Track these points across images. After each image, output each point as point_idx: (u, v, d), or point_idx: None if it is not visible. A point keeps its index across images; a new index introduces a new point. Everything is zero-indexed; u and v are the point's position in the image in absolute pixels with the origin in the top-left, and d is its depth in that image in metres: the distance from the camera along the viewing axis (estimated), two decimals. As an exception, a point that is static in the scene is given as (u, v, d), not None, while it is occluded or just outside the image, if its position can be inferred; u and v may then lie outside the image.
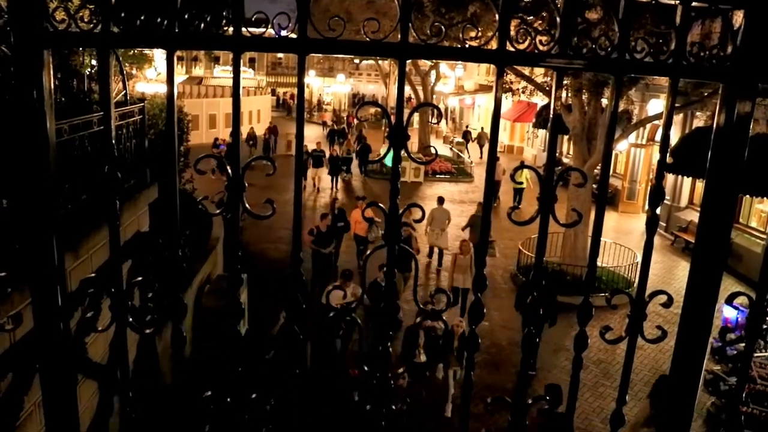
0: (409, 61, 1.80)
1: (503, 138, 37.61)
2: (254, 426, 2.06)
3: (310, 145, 24.35)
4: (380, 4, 21.92)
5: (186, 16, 1.68)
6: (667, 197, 19.12)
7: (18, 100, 1.71)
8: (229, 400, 2.00)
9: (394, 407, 2.02)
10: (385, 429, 2.05)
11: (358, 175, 28.09)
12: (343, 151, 27.77)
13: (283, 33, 1.77)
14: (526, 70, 16.40)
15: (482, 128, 38.68)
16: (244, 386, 2.02)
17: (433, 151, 2.57)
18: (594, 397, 10.23)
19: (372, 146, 28.86)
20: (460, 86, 46.52)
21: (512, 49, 1.75)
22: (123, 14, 1.68)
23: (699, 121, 18.31)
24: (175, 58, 1.79)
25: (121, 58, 10.17)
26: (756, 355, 9.70)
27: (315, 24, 1.74)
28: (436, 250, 16.14)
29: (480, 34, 1.82)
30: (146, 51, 18.56)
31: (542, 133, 32.17)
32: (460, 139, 38.49)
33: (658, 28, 9.82)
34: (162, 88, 22.12)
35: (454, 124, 47.19)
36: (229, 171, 1.81)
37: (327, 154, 25.09)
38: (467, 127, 41.86)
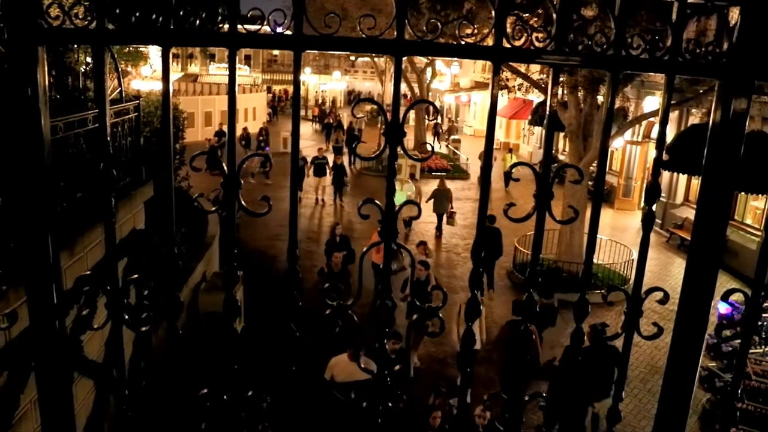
0: (404, 59, 1.80)
1: (499, 135, 37.69)
2: (250, 423, 2.06)
3: (311, 148, 23.67)
4: (376, 1, 21.86)
5: (181, 13, 1.68)
6: (662, 194, 19.18)
7: (12, 98, 1.70)
8: (225, 397, 2.00)
9: (390, 405, 2.02)
10: (380, 427, 2.05)
11: (348, 166, 27.95)
12: (332, 140, 28.02)
13: (279, 30, 1.76)
14: (522, 67, 16.40)
15: (450, 119, 39.51)
16: (241, 384, 2.02)
17: (429, 148, 2.56)
18: (590, 393, 10.25)
19: (367, 144, 28.87)
20: (456, 83, 46.49)
21: (508, 45, 1.75)
22: (118, 10, 1.67)
23: (694, 119, 18.34)
24: (171, 55, 1.79)
25: (116, 56, 10.13)
26: (751, 351, 9.73)
27: (311, 21, 1.73)
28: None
29: (476, 31, 1.81)
30: (141, 48, 18.54)
31: (538, 131, 32.17)
32: (456, 137, 38.63)
33: (654, 26, 9.84)
34: (157, 86, 22.06)
35: (450, 123, 47.22)
36: (225, 168, 1.81)
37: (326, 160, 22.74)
38: (435, 119, 42.25)
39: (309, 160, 22.14)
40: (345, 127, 34.14)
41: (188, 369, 2.10)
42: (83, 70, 8.78)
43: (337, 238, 13.10)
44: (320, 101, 57.16)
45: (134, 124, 8.69)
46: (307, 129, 42.24)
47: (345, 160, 26.20)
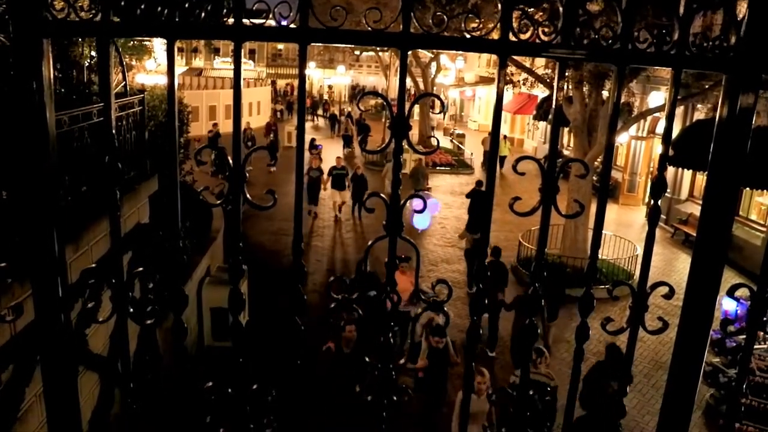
0: (409, 53, 1.79)
1: (504, 130, 37.66)
2: (255, 417, 2.06)
3: (323, 153, 22.69)
4: (380, -5, 21.80)
5: (186, 5, 1.68)
6: (667, 190, 19.06)
7: (18, 91, 1.70)
8: (230, 391, 2.00)
9: (395, 398, 2.02)
10: (386, 420, 2.05)
11: (359, 155, 28.00)
12: (341, 129, 27.91)
13: (284, 23, 1.76)
14: (527, 62, 16.36)
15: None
16: (246, 377, 2.03)
17: (434, 142, 2.56)
18: (593, 388, 10.25)
19: (371, 138, 28.88)
20: (460, 78, 46.42)
21: (514, 39, 1.74)
22: (123, 3, 1.67)
23: (700, 114, 18.27)
24: (176, 49, 1.78)
25: (120, 49, 10.13)
26: (756, 347, 9.72)
27: (316, 14, 1.73)
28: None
29: (481, 25, 1.81)
30: (146, 42, 18.54)
31: (543, 125, 32.13)
32: (461, 131, 38.61)
33: (660, 20, 9.79)
34: (161, 80, 22.05)
35: (454, 120, 47.23)
36: (230, 162, 1.81)
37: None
38: (440, 113, 42.70)
39: (326, 170, 19.45)
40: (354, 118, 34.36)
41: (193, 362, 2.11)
42: (88, 64, 8.78)
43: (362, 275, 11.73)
44: (323, 95, 57.36)
45: (139, 117, 8.70)
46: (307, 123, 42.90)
47: (356, 149, 25.91)
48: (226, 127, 27.55)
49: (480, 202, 15.17)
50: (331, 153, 24.23)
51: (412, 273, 10.32)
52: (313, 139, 26.89)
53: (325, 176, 19.17)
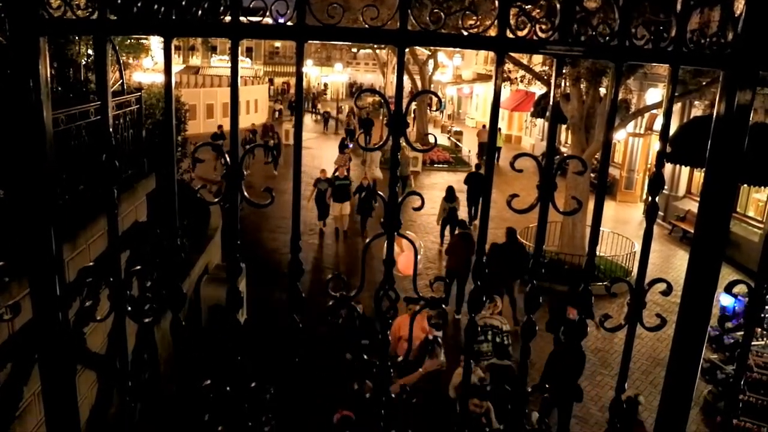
0: (407, 50, 1.79)
1: (501, 127, 37.64)
2: (254, 415, 2.06)
3: (313, 140, 22.57)
4: (378, -7, 21.74)
5: (183, 3, 1.67)
6: (665, 186, 19.02)
7: (14, 90, 1.69)
8: (228, 389, 2.00)
9: (393, 395, 2.02)
10: (384, 416, 2.06)
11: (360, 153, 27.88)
12: (343, 123, 27.87)
13: (281, 20, 1.75)
14: (525, 59, 16.35)
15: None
16: (244, 375, 2.02)
17: (432, 139, 2.56)
18: (592, 385, 10.27)
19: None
20: (458, 75, 46.38)
21: (512, 36, 1.74)
22: (119, 1, 1.66)
23: (697, 111, 18.28)
24: (173, 47, 1.78)
25: (117, 47, 10.10)
26: (753, 343, 9.73)
27: (313, 11, 1.73)
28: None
29: (478, 22, 1.80)
30: (143, 40, 18.50)
31: (540, 122, 32.13)
32: (458, 129, 38.57)
33: (657, 17, 9.79)
34: (159, 78, 21.97)
35: (451, 118, 47.20)
36: (228, 160, 1.80)
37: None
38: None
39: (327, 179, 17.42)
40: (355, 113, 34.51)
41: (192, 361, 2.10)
42: (84, 62, 8.75)
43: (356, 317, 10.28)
44: (315, 92, 57.33)
45: (136, 116, 8.68)
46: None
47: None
48: (225, 125, 27.30)
49: (478, 184, 17.22)
50: (324, 151, 24.34)
51: (423, 318, 8.23)
52: (343, 139, 26.49)
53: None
